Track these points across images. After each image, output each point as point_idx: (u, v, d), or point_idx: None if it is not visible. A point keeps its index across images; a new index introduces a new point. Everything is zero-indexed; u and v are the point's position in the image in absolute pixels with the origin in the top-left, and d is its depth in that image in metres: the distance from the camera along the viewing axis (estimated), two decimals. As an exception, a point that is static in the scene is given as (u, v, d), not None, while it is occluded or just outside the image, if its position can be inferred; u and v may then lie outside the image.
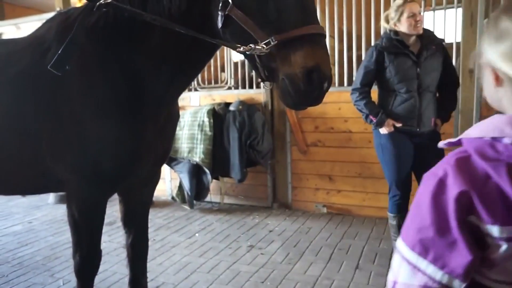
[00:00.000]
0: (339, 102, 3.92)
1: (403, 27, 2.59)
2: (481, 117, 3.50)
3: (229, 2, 1.29)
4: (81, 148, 1.55)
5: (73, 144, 1.55)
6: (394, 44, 2.60)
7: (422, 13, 2.60)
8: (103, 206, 1.69)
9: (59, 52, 1.39)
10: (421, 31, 2.59)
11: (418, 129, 2.62)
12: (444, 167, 0.72)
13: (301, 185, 4.30)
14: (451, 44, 3.65)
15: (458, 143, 0.78)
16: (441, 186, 0.70)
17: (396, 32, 2.63)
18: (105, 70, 1.54)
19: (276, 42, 1.22)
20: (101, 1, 1.36)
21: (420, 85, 2.59)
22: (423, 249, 0.70)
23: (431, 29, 3.48)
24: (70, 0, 5.50)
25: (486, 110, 3.48)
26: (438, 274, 0.69)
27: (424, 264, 0.70)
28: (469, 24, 3.50)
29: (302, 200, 4.32)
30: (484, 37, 0.78)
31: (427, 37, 2.66)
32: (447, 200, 0.69)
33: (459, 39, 3.60)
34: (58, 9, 5.18)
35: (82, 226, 1.67)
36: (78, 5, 7.34)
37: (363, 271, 2.85)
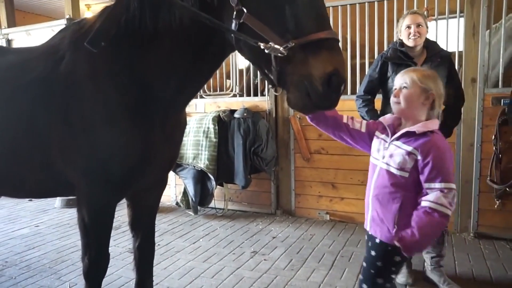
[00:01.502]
0: (343, 110, 3.87)
1: (402, 38, 2.65)
2: (483, 126, 3.53)
3: (243, 11, 1.32)
4: (91, 153, 1.60)
5: (83, 149, 1.60)
6: (398, 55, 2.64)
7: (423, 26, 2.61)
8: (112, 210, 1.74)
9: (97, 27, 1.42)
10: (417, 44, 2.60)
11: None
12: (445, 141, 1.63)
13: (304, 192, 4.34)
14: (454, 53, 3.69)
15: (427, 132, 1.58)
16: (450, 150, 1.61)
17: (403, 43, 2.67)
18: (115, 77, 1.59)
19: (293, 45, 1.25)
20: None
21: None
22: (451, 179, 1.56)
23: (434, 38, 3.54)
24: (80, 7, 5.62)
25: (488, 119, 3.52)
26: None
27: (453, 185, 1.56)
28: (471, 34, 3.55)
29: (305, 207, 4.35)
30: (436, 82, 1.66)
31: (432, 49, 2.68)
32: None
33: (461, 48, 3.64)
34: (67, 16, 5.30)
35: (91, 230, 1.71)
36: (87, 12, 7.48)
37: (365, 278, 2.87)
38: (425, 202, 1.52)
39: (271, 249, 3.47)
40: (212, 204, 4.50)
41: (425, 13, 3.65)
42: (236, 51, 1.51)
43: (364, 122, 1.78)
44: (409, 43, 2.61)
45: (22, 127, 1.68)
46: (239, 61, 4.81)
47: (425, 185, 1.54)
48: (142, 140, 1.61)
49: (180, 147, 1.93)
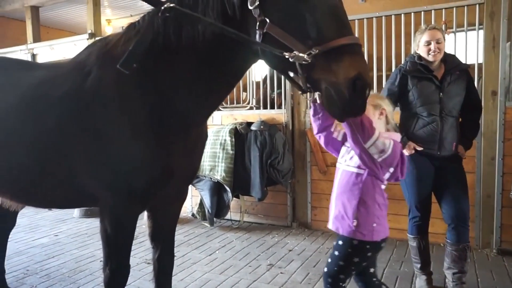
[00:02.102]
0: (360, 123, 3.95)
1: (421, 53, 2.64)
2: (505, 140, 3.47)
3: (266, 21, 1.35)
4: (116, 166, 1.64)
5: (109, 162, 1.64)
6: (418, 69, 2.64)
7: (442, 42, 2.60)
8: (134, 222, 1.76)
9: (129, 50, 1.48)
10: (436, 59, 2.61)
11: (438, 153, 2.62)
12: (400, 146, 1.83)
13: (320, 205, 4.31)
14: (473, 65, 3.65)
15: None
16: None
17: (421, 56, 2.67)
18: (140, 92, 1.63)
19: (317, 51, 1.27)
20: (165, 6, 1.43)
21: (442, 109, 2.60)
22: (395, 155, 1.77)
23: (453, 51, 3.53)
24: (101, 22, 5.80)
25: (510, 133, 3.45)
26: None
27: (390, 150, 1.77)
28: (491, 47, 3.52)
29: (321, 220, 4.31)
30: (383, 100, 1.97)
31: (451, 62, 2.67)
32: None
33: (480, 61, 3.60)
34: (89, 31, 5.47)
35: (113, 241, 1.74)
36: (108, 27, 7.69)
37: (384, 294, 2.81)
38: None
39: (287, 262, 3.45)
40: (228, 216, 4.50)
41: (443, 26, 3.65)
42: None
43: (342, 132, 1.97)
44: (429, 58, 2.61)
45: (52, 141, 1.73)
46: (255, 73, 4.86)
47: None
48: (166, 153, 1.65)
49: (201, 159, 1.96)
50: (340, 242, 1.90)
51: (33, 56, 5.87)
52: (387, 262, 3.38)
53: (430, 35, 2.60)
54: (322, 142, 2.00)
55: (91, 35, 5.36)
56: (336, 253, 1.92)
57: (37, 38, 5.98)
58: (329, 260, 1.96)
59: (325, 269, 1.96)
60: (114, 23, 7.63)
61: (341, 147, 1.98)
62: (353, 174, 1.86)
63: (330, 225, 1.96)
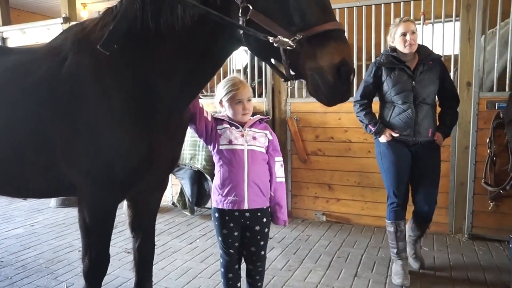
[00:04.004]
0: (339, 112, 4.00)
1: (397, 45, 2.74)
2: (478, 130, 3.58)
3: (249, 8, 1.33)
4: (95, 154, 1.60)
5: (87, 150, 1.60)
6: (391, 60, 2.76)
7: (416, 32, 2.72)
8: (114, 211, 1.74)
9: (109, 30, 1.43)
10: (412, 50, 2.72)
11: (414, 138, 2.73)
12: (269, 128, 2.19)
13: (301, 193, 4.36)
14: (449, 56, 3.74)
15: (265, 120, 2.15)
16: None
17: (395, 49, 2.78)
18: (119, 79, 1.59)
19: (302, 37, 1.26)
20: None
21: (416, 97, 2.72)
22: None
23: (430, 41, 3.60)
24: (76, 6, 5.59)
25: (483, 123, 3.57)
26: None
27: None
28: (467, 39, 3.60)
29: (301, 208, 4.38)
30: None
31: (423, 52, 2.79)
32: None
33: (457, 52, 3.69)
34: (64, 15, 5.27)
35: (92, 230, 1.71)
36: (83, 11, 7.42)
37: (362, 279, 2.90)
38: (279, 178, 2.12)
39: (268, 249, 3.46)
40: (208, 205, 4.50)
41: (422, 17, 3.72)
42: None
43: (210, 115, 2.10)
44: (405, 50, 2.72)
45: (27, 129, 1.67)
46: (236, 62, 4.82)
47: (276, 159, 2.12)
48: (146, 141, 1.62)
49: (181, 148, 1.94)
50: (265, 218, 2.12)
51: (3, 40, 5.62)
52: (365, 248, 3.47)
53: (405, 26, 2.70)
54: (196, 121, 2.00)
55: (66, 19, 5.16)
56: (266, 230, 2.16)
57: (6, 21, 5.72)
58: (262, 243, 2.18)
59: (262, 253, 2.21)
60: (89, 7, 7.37)
61: (207, 129, 2.02)
62: (261, 153, 2.08)
63: (246, 206, 2.02)
